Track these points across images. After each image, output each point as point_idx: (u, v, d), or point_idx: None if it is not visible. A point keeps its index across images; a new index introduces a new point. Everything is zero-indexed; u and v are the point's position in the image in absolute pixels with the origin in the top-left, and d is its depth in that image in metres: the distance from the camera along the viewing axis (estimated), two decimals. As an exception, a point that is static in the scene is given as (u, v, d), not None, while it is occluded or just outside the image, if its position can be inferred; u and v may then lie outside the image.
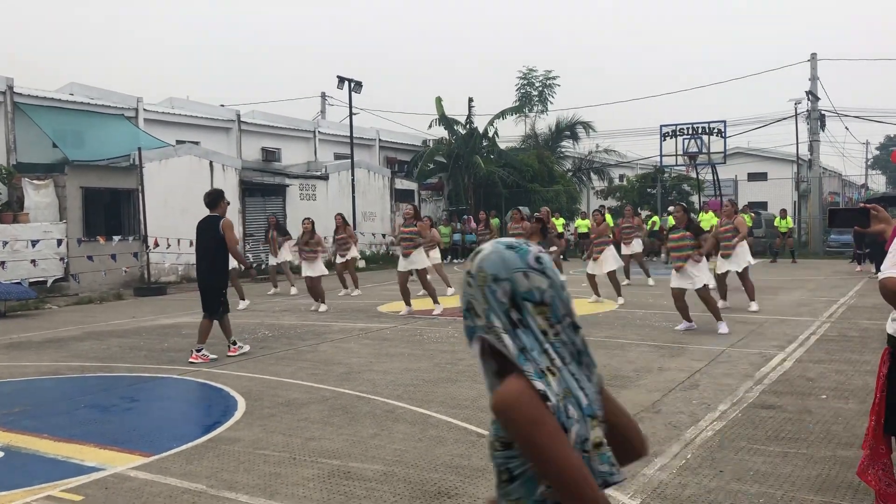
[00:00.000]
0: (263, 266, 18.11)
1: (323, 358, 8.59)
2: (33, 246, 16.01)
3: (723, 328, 9.63)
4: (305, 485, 4.45)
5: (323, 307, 12.93)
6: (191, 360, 8.39)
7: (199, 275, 8.73)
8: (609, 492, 4.32)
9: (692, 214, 12.83)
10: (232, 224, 8.74)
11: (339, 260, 15.16)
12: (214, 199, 8.64)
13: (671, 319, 10.34)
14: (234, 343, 8.84)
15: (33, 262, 16.09)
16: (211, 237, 8.47)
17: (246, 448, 5.22)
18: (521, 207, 14.39)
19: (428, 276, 12.57)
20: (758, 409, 5.90)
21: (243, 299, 13.71)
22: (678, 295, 9.87)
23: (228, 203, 8.91)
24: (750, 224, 23.24)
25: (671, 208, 10.73)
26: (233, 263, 13.26)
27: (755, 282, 12.16)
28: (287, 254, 16.07)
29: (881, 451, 2.86)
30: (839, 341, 8.87)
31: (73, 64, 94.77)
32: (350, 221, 24.82)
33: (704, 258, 9.93)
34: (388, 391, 6.80)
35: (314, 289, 13.08)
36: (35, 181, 16.89)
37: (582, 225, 23.03)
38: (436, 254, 14.88)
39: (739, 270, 11.65)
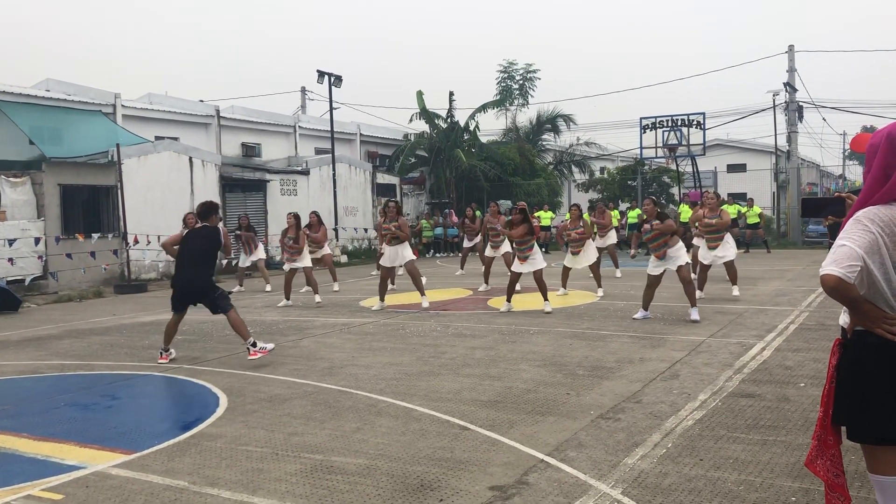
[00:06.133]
0: (235, 263, 17.93)
1: (305, 353, 8.57)
2: (10, 245, 15.83)
3: (694, 315, 9.82)
4: (288, 480, 4.45)
5: (318, 297, 13.11)
6: (250, 357, 7.89)
7: (192, 278, 8.16)
8: (590, 481, 4.36)
9: (670, 207, 12.91)
10: (227, 232, 8.52)
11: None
12: (209, 210, 8.37)
13: (652, 310, 10.40)
14: (254, 345, 8.03)
15: (11, 260, 15.91)
16: (211, 244, 8.18)
17: (228, 444, 5.20)
18: (498, 202, 14.43)
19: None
20: (737, 398, 5.96)
21: None
22: (652, 282, 10.09)
23: (220, 218, 8.69)
24: (735, 215, 23.48)
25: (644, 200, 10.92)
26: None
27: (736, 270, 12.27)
28: (261, 252, 16.11)
29: (829, 441, 2.89)
30: (817, 330, 8.96)
31: (49, 60, 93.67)
32: (332, 216, 24.89)
33: (681, 242, 10.14)
34: (370, 385, 6.80)
35: (309, 279, 13.36)
36: (12, 178, 16.69)
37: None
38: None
39: (728, 260, 11.87)
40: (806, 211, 3.50)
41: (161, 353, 8.37)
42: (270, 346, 8.16)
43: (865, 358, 2.75)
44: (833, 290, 2.64)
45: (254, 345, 8.01)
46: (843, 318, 2.89)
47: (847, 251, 2.64)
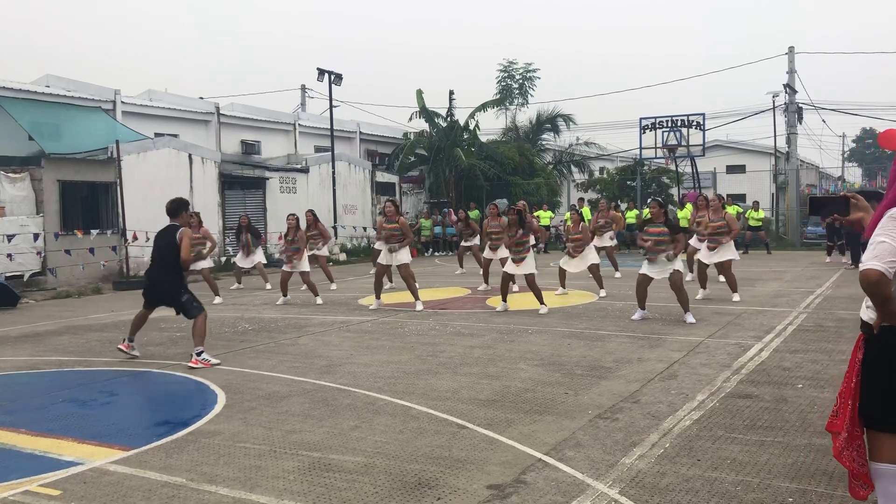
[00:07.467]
0: (233, 261, 17.83)
1: (303, 351, 8.57)
2: (9, 240, 15.82)
3: (690, 318, 9.75)
4: (286, 477, 4.45)
5: (319, 300, 13.08)
6: (190, 364, 7.76)
7: (162, 281, 8.10)
8: (588, 481, 4.36)
9: (669, 209, 12.84)
10: (190, 234, 8.18)
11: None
12: (179, 206, 8.20)
13: (650, 311, 10.41)
14: (200, 354, 7.86)
15: (9, 256, 15.90)
16: (172, 245, 8.00)
17: (226, 441, 5.21)
18: (497, 202, 14.32)
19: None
20: (735, 399, 5.97)
21: (217, 295, 13.66)
22: (642, 281, 10.05)
23: (191, 216, 8.42)
24: (734, 216, 23.53)
25: (649, 201, 10.83)
26: (205, 263, 13.39)
27: (735, 272, 12.23)
28: (260, 256, 16.01)
29: (856, 433, 2.99)
30: (815, 331, 8.97)
31: (49, 56, 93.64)
32: (332, 215, 24.90)
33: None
34: (368, 383, 6.80)
35: (308, 282, 13.26)
36: (11, 174, 16.67)
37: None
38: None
39: (723, 262, 11.76)
40: (813, 209, 3.61)
41: (123, 341, 8.30)
42: (216, 361, 7.89)
43: (892, 354, 2.85)
44: (873, 284, 2.69)
45: (199, 353, 7.85)
46: (868, 314, 2.94)
47: (888, 247, 2.69)
